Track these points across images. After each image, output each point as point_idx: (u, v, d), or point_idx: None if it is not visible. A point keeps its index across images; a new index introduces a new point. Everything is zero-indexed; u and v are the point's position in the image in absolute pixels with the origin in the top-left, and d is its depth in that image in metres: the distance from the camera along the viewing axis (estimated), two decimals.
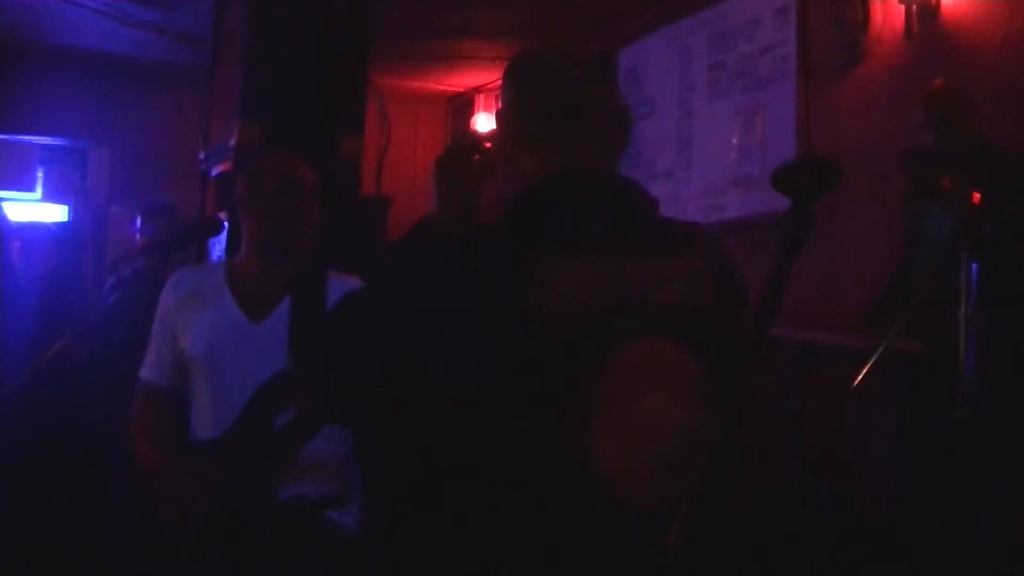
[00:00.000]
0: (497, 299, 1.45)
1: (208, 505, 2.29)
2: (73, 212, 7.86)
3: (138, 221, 5.29)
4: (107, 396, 3.72)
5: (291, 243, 2.57)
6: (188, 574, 2.33)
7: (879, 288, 4.01)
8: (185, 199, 5.38)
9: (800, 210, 1.28)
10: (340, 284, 2.23)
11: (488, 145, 1.62)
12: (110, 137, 7.82)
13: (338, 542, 2.44)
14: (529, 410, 1.45)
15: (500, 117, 1.68)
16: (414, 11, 6.32)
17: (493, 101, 7.84)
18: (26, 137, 7.81)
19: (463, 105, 8.66)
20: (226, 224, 3.30)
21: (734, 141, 5.83)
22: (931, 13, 4.63)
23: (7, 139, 7.75)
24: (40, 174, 7.95)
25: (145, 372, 2.61)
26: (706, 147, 6.10)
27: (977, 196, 3.43)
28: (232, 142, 3.85)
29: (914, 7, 4.69)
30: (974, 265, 3.20)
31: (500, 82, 1.72)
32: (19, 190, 7.83)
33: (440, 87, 8.46)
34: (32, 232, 5.76)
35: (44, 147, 7.96)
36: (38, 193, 7.95)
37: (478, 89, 8.30)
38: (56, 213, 7.85)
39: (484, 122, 8.03)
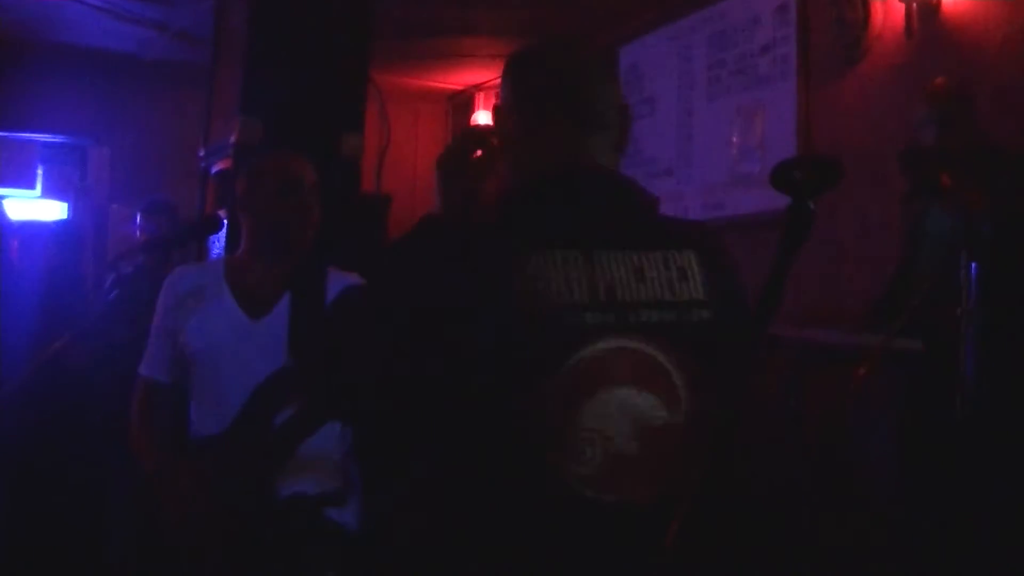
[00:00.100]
0: (474, 295, 1.45)
1: (208, 503, 2.29)
2: (73, 210, 7.86)
3: (138, 219, 5.29)
4: (107, 394, 3.71)
5: (291, 241, 2.56)
6: (188, 573, 2.33)
7: (880, 287, 4.01)
8: (185, 197, 5.38)
9: (799, 208, 1.28)
10: (340, 282, 2.23)
11: (491, 141, 1.61)
12: (110, 135, 7.82)
13: (338, 540, 2.44)
14: (500, 408, 1.45)
15: (499, 112, 1.67)
16: (414, 9, 6.32)
17: (493, 99, 7.83)
18: (26, 135, 7.81)
19: (463, 103, 8.67)
20: (226, 222, 3.30)
21: (734, 140, 5.83)
22: (932, 12, 4.63)
23: (7, 136, 7.74)
24: (40, 172, 7.95)
25: (145, 370, 2.60)
26: (706, 145, 6.10)
27: (977, 195, 3.43)
28: (232, 140, 3.84)
29: (914, 6, 4.68)
30: (974, 264, 3.20)
31: (500, 78, 1.72)
32: (19, 188, 7.82)
33: (440, 85, 8.46)
34: (32, 230, 5.76)
35: (44, 145, 7.95)
36: (38, 191, 7.94)
37: (478, 87, 8.30)
38: (56, 211, 7.84)
39: (484, 120, 8.03)
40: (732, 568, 1.59)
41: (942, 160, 3.63)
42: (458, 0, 6.44)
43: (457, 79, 8.31)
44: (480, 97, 8.34)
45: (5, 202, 7.16)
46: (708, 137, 6.09)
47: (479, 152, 1.61)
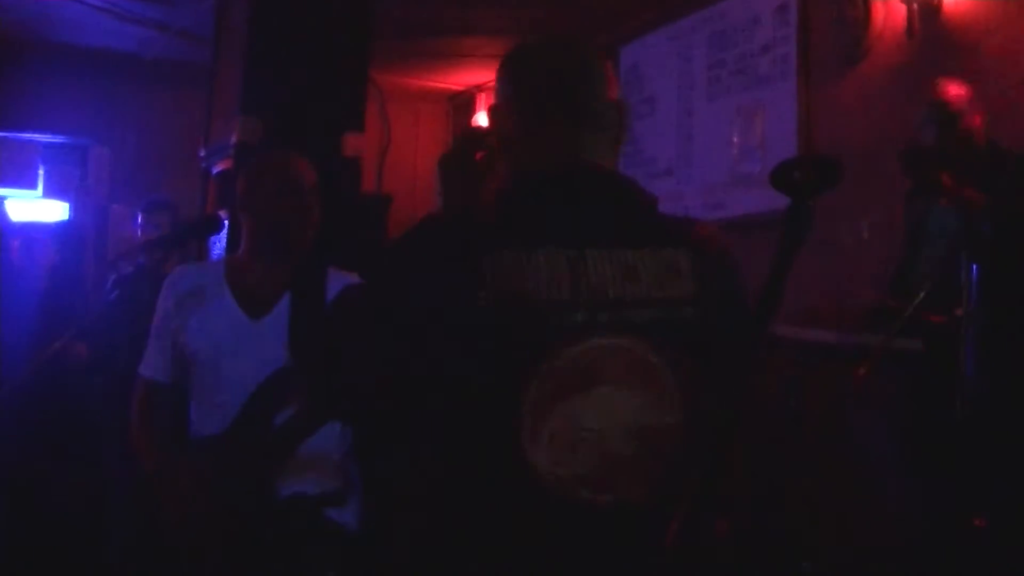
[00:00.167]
0: (463, 295, 1.45)
1: (208, 503, 2.29)
2: (74, 210, 7.86)
3: (139, 218, 5.29)
4: (107, 394, 3.72)
5: (291, 241, 2.56)
6: (188, 573, 2.33)
7: (880, 287, 4.01)
8: (186, 197, 5.38)
9: (799, 208, 1.28)
10: (340, 282, 2.23)
11: (491, 141, 1.62)
12: (111, 135, 7.81)
13: (338, 540, 2.44)
14: (490, 407, 1.45)
15: (496, 112, 1.67)
16: (415, 9, 6.32)
17: (494, 99, 7.84)
18: (27, 135, 7.81)
19: (464, 103, 8.66)
20: (226, 222, 3.30)
21: (734, 140, 5.82)
22: (933, 12, 4.62)
23: (9, 137, 7.74)
24: (41, 172, 7.95)
25: (145, 370, 2.60)
26: (706, 145, 6.10)
27: (977, 195, 3.43)
28: (233, 140, 3.85)
29: (916, 6, 4.68)
30: (975, 265, 3.20)
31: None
32: (20, 188, 7.83)
33: (441, 85, 8.46)
34: (33, 230, 5.76)
35: (45, 145, 7.95)
36: (39, 191, 7.94)
37: (479, 87, 8.30)
38: (57, 211, 7.84)
39: (485, 120, 8.02)
40: (730, 569, 1.58)
41: (942, 160, 3.63)
42: (459, 0, 6.44)
43: (458, 79, 8.30)
44: (481, 97, 8.33)
45: (6, 202, 7.17)
46: (708, 137, 6.08)
47: (479, 152, 1.61)
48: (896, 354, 3.36)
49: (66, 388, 3.93)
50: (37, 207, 7.80)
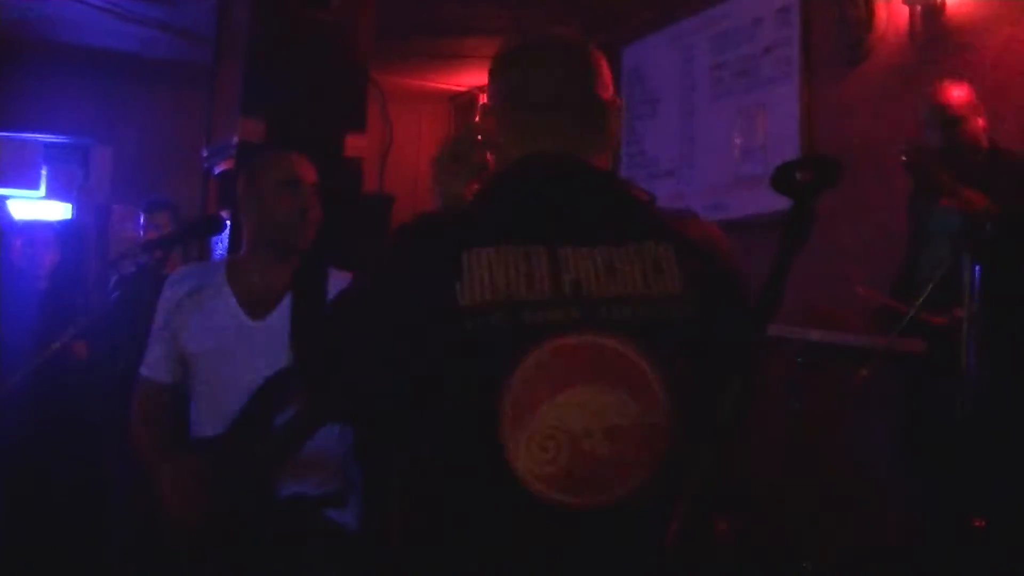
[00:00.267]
0: (434, 295, 1.44)
1: (208, 504, 2.29)
2: (76, 210, 7.86)
3: (142, 218, 5.30)
4: (108, 393, 3.72)
5: (291, 241, 2.56)
6: (188, 573, 2.33)
7: (882, 287, 4.00)
8: (188, 197, 5.39)
9: (800, 209, 1.28)
10: (341, 282, 2.23)
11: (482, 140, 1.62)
12: (113, 135, 7.82)
13: (338, 540, 2.44)
14: (465, 408, 1.44)
15: (486, 109, 1.67)
16: (416, 9, 6.32)
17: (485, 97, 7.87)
18: (30, 135, 7.81)
19: (466, 103, 8.66)
20: (228, 222, 3.31)
21: (737, 141, 5.82)
22: (935, 13, 4.62)
23: (12, 137, 7.75)
24: (44, 172, 7.96)
25: (146, 370, 2.60)
26: (709, 146, 6.10)
27: (980, 196, 3.43)
28: (235, 140, 3.85)
29: (918, 7, 4.67)
30: (977, 266, 3.20)
31: None
32: (23, 188, 7.83)
33: (443, 85, 8.46)
34: (35, 230, 5.76)
35: (48, 145, 7.96)
36: (42, 191, 7.95)
37: (481, 88, 8.30)
38: (59, 211, 7.85)
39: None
40: (730, 569, 1.57)
41: (944, 161, 3.63)
42: (460, 0, 6.44)
43: (460, 79, 8.31)
44: (483, 98, 8.33)
45: (9, 202, 7.18)
46: (711, 138, 6.08)
47: (475, 151, 1.61)
48: (897, 355, 3.36)
49: (66, 388, 3.93)
50: (39, 207, 7.80)
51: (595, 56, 1.66)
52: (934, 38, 4.65)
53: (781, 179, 1.29)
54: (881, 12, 4.91)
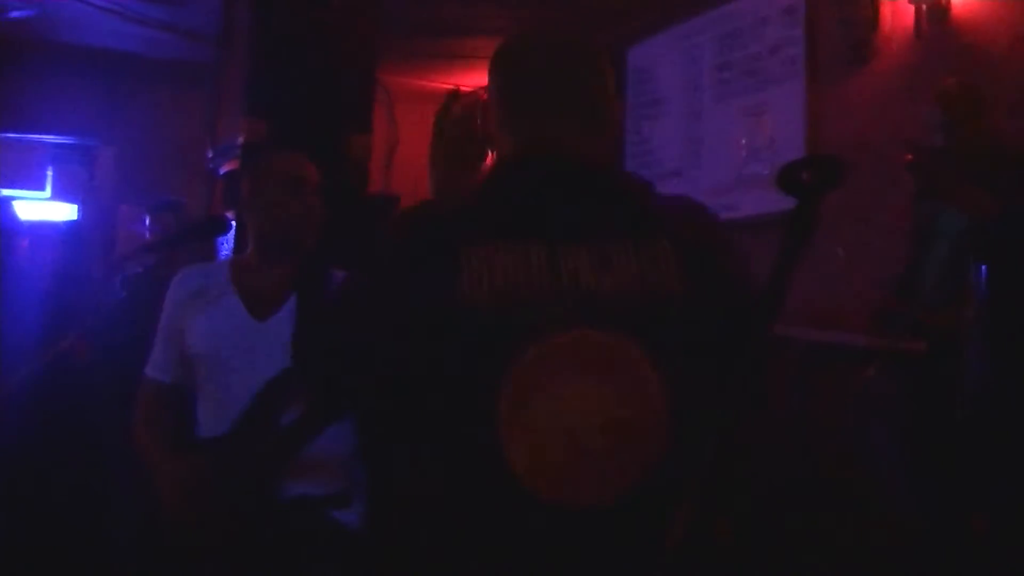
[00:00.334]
0: (437, 290, 1.44)
1: (211, 504, 2.28)
2: (82, 210, 7.87)
3: (147, 219, 5.30)
4: (112, 394, 3.72)
5: (295, 241, 2.56)
6: (189, 573, 2.33)
7: (884, 288, 4.00)
8: (194, 197, 5.40)
9: (804, 209, 1.28)
10: None
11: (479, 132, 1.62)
12: (118, 135, 7.83)
13: (342, 541, 2.44)
14: (462, 403, 1.43)
15: (485, 104, 1.68)
16: (422, 10, 6.32)
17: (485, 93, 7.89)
18: (36, 136, 7.83)
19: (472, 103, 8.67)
20: (233, 223, 3.31)
21: (743, 141, 5.82)
22: (941, 12, 4.61)
23: (18, 138, 7.76)
24: (50, 173, 7.97)
25: (150, 370, 2.60)
26: (715, 147, 6.09)
27: (985, 197, 3.42)
28: (240, 140, 3.85)
29: (924, 6, 4.67)
30: (984, 267, 3.19)
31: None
32: (29, 189, 7.85)
33: (448, 85, 8.46)
34: (41, 231, 5.77)
35: (54, 146, 7.97)
36: (48, 192, 7.96)
37: (487, 88, 8.30)
38: (65, 212, 7.86)
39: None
40: (730, 569, 1.56)
41: (949, 161, 3.62)
42: (466, 0, 6.44)
43: (466, 80, 8.31)
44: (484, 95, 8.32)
45: (16, 203, 7.19)
46: (716, 138, 6.07)
47: (473, 142, 1.61)
48: (899, 355, 3.35)
49: (70, 388, 3.93)
50: (45, 208, 7.82)
51: (594, 51, 1.65)
52: (940, 37, 4.64)
53: (786, 179, 1.29)
54: (886, 11, 4.91)
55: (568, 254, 1.47)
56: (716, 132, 6.08)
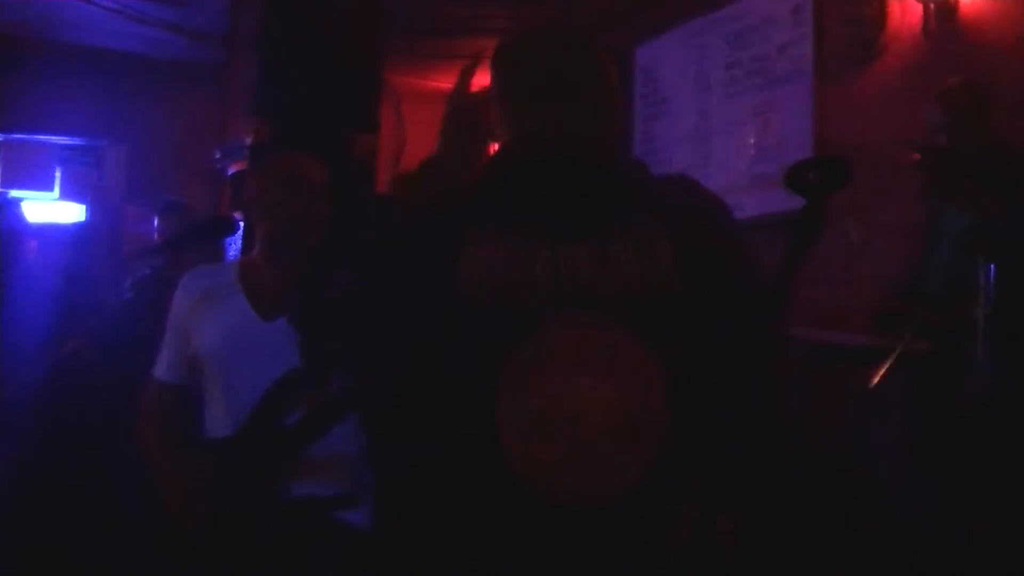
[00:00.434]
0: (436, 284, 1.44)
1: (215, 504, 2.29)
2: (90, 211, 7.89)
3: (156, 220, 5.30)
4: (120, 394, 3.73)
5: (296, 240, 2.56)
6: (196, 573, 2.33)
7: (891, 287, 3.99)
8: (202, 198, 5.40)
9: (812, 208, 1.27)
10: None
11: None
12: (126, 136, 7.84)
13: (347, 541, 2.43)
14: (461, 398, 1.43)
15: (488, 99, 1.68)
16: (430, 9, 6.32)
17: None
18: (44, 137, 7.85)
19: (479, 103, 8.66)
20: (241, 223, 3.31)
21: (751, 140, 5.81)
22: (950, 11, 4.60)
23: (26, 139, 7.79)
24: (58, 173, 7.99)
25: (158, 372, 2.61)
26: (723, 145, 6.09)
27: (990, 196, 3.41)
28: (247, 141, 3.86)
29: (932, 5, 4.66)
30: (992, 266, 3.18)
31: None
32: (37, 189, 7.86)
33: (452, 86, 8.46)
34: (49, 232, 5.78)
35: (62, 147, 7.99)
36: (56, 192, 7.98)
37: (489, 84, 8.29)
38: (74, 212, 7.87)
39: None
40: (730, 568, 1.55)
41: (955, 161, 3.61)
42: (474, 0, 6.44)
43: (474, 79, 8.31)
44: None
45: (23, 204, 7.20)
46: (724, 137, 6.07)
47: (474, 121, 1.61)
48: (902, 355, 3.35)
49: (80, 387, 3.94)
50: (54, 209, 7.83)
51: (594, 45, 1.65)
52: (948, 36, 4.63)
53: (794, 178, 1.29)
54: (895, 10, 4.90)
55: (568, 250, 1.46)
56: (724, 131, 6.07)
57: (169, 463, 2.41)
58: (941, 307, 3.40)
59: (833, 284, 4.54)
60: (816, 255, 1.40)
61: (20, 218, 5.14)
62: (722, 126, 6.11)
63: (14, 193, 7.71)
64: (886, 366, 3.24)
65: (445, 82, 8.30)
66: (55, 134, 7.83)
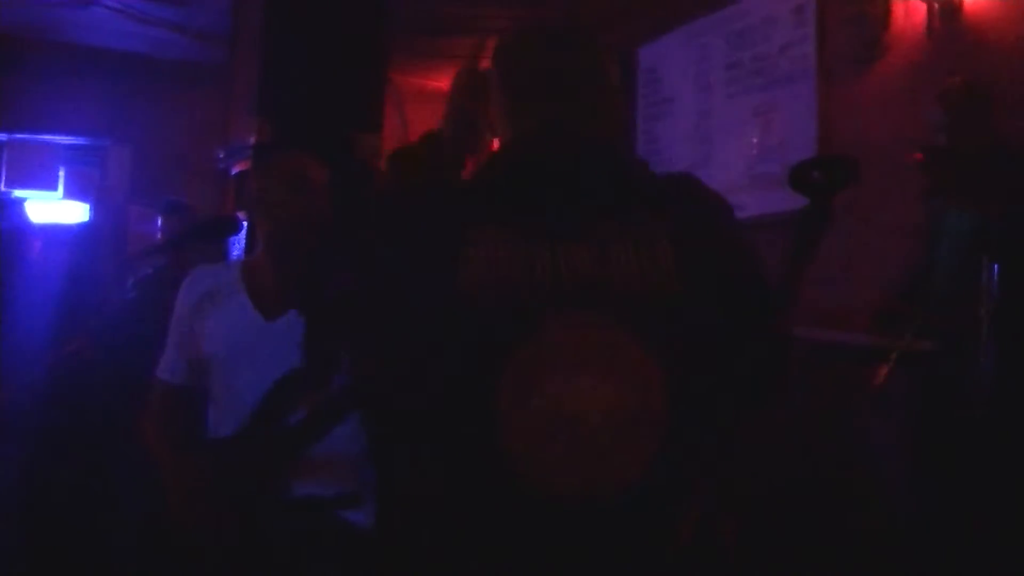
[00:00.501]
0: (436, 282, 1.44)
1: (220, 504, 2.29)
2: (94, 211, 7.89)
3: (159, 220, 5.31)
4: (122, 394, 3.73)
5: (297, 240, 2.56)
6: (198, 573, 2.33)
7: (894, 286, 3.98)
8: (204, 197, 5.40)
9: (816, 208, 1.27)
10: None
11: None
12: (130, 135, 7.85)
13: (351, 540, 2.44)
14: (462, 397, 1.43)
15: (490, 96, 1.67)
16: (433, 9, 6.32)
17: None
18: (47, 136, 7.85)
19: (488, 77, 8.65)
20: (245, 223, 3.31)
21: (753, 140, 5.81)
22: (953, 11, 4.59)
23: (29, 139, 7.79)
24: (62, 173, 7.99)
25: (161, 372, 2.61)
26: (725, 145, 6.08)
27: (992, 195, 3.41)
28: (251, 141, 3.86)
29: (935, 5, 4.65)
30: (996, 265, 3.18)
31: None
32: (41, 189, 7.87)
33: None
34: (52, 232, 5.79)
35: (66, 147, 7.99)
36: (59, 192, 7.98)
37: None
38: (77, 212, 7.88)
39: None
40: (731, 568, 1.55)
41: (957, 160, 3.61)
42: (478, 0, 6.44)
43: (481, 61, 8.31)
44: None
45: (27, 204, 7.21)
46: (727, 137, 6.07)
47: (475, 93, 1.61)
48: (909, 354, 3.34)
49: (83, 386, 3.94)
50: (58, 208, 7.84)
51: (594, 42, 1.65)
52: (951, 36, 4.62)
53: (798, 178, 1.29)
54: (898, 10, 4.89)
55: (568, 250, 1.46)
56: (726, 131, 6.07)
57: (171, 463, 2.41)
58: (942, 307, 3.40)
59: (833, 284, 4.54)
60: (823, 253, 1.40)
61: (24, 218, 5.16)
62: (724, 126, 6.10)
63: (18, 193, 7.71)
64: (887, 366, 3.23)
65: (445, 82, 8.30)
66: (59, 134, 7.83)
